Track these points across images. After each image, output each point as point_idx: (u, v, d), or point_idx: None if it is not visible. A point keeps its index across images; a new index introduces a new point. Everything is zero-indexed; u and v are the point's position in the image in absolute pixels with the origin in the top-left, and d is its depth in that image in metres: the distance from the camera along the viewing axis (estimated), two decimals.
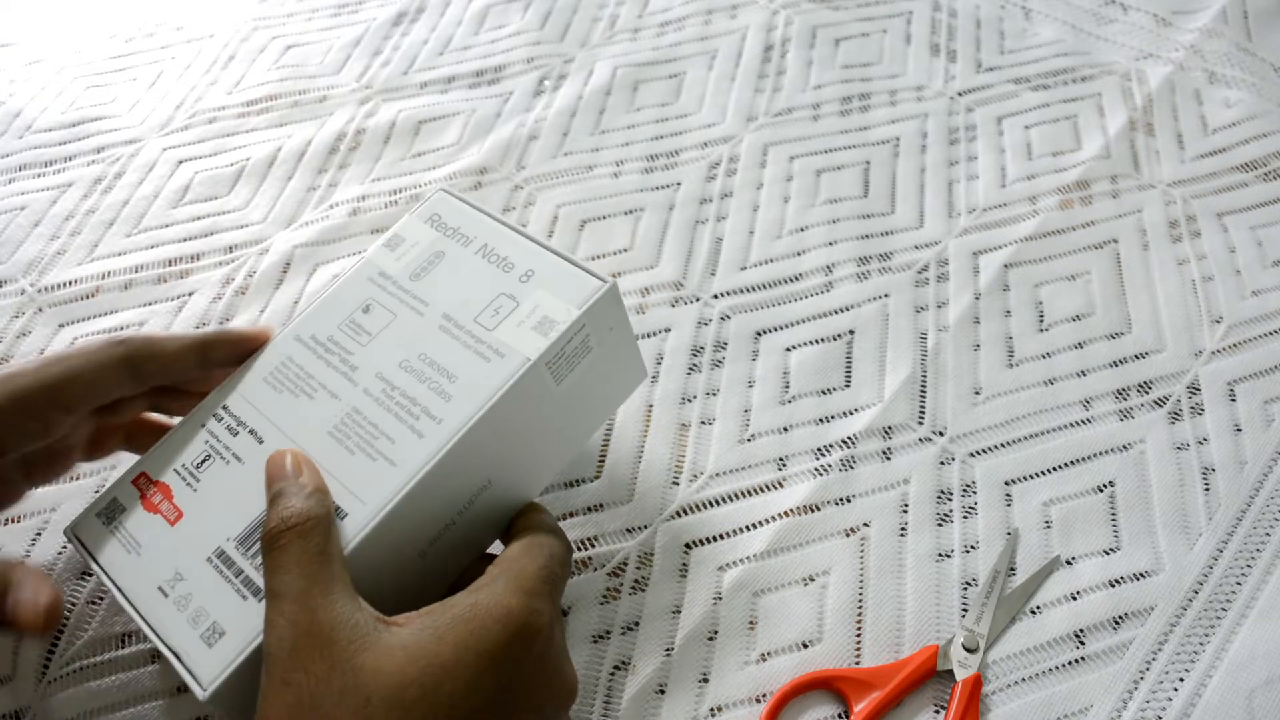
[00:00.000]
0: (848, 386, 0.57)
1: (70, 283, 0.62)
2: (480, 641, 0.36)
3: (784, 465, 0.54)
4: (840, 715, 0.46)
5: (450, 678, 0.35)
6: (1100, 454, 0.54)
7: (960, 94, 0.74)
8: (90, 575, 0.50)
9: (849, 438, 0.55)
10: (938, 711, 0.46)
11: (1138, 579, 0.50)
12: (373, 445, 0.41)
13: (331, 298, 0.47)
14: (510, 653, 0.36)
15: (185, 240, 0.65)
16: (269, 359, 0.45)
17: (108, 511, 0.43)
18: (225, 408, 0.44)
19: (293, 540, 0.37)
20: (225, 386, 0.45)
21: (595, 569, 0.50)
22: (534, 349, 0.42)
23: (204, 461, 0.43)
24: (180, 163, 0.70)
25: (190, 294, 0.62)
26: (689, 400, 0.56)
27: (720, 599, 0.49)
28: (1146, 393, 0.57)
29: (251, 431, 0.43)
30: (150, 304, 0.61)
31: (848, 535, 0.51)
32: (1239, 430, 0.55)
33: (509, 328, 0.43)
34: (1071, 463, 0.54)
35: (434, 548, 0.42)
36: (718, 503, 0.53)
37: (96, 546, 0.43)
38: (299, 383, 0.44)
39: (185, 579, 0.40)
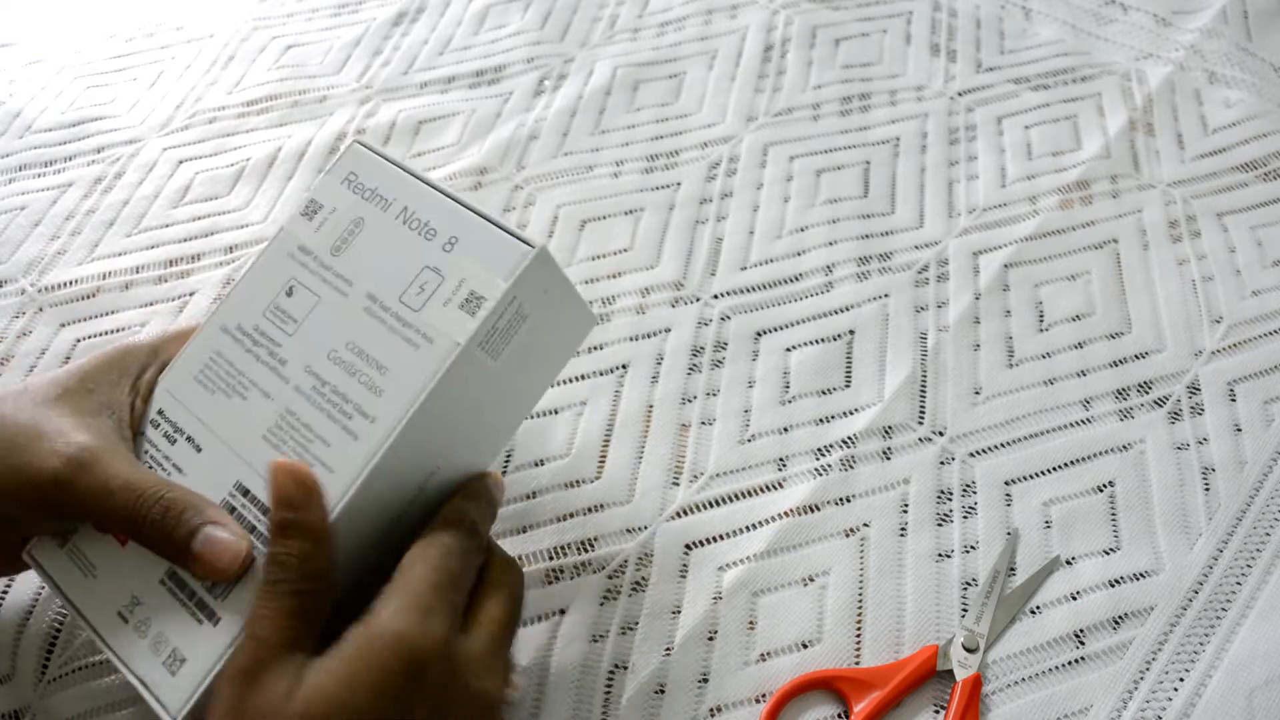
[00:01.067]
0: (848, 387, 0.57)
1: (70, 283, 0.62)
2: (373, 674, 0.35)
3: (784, 465, 0.54)
4: (840, 715, 0.46)
5: (348, 718, 0.34)
6: (1100, 454, 0.54)
7: (960, 94, 0.74)
8: None
9: (849, 438, 0.55)
10: (938, 712, 0.46)
11: (1138, 579, 0.50)
12: (308, 450, 0.39)
13: (251, 278, 0.43)
14: (407, 682, 0.35)
15: (186, 240, 0.65)
16: (198, 354, 0.43)
17: (61, 531, 0.42)
18: (161, 412, 0.42)
19: (285, 593, 0.36)
20: (158, 387, 0.43)
21: (595, 570, 0.50)
22: (462, 332, 0.39)
23: None
24: (180, 163, 0.70)
25: (191, 294, 0.62)
26: (689, 400, 0.56)
27: (720, 599, 0.49)
28: (1146, 393, 0.57)
29: (189, 439, 0.41)
30: (151, 304, 0.61)
31: (847, 535, 0.51)
32: (1239, 430, 0.55)
33: (435, 307, 0.40)
34: (1071, 463, 0.54)
35: (386, 539, 0.41)
36: (718, 503, 0.53)
37: (55, 569, 0.41)
38: (229, 380, 0.42)
39: (142, 603, 0.39)
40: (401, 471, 0.40)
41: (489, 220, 0.41)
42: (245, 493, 0.40)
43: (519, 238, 0.40)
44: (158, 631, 0.39)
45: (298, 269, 0.43)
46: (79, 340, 0.59)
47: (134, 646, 0.39)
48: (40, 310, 0.61)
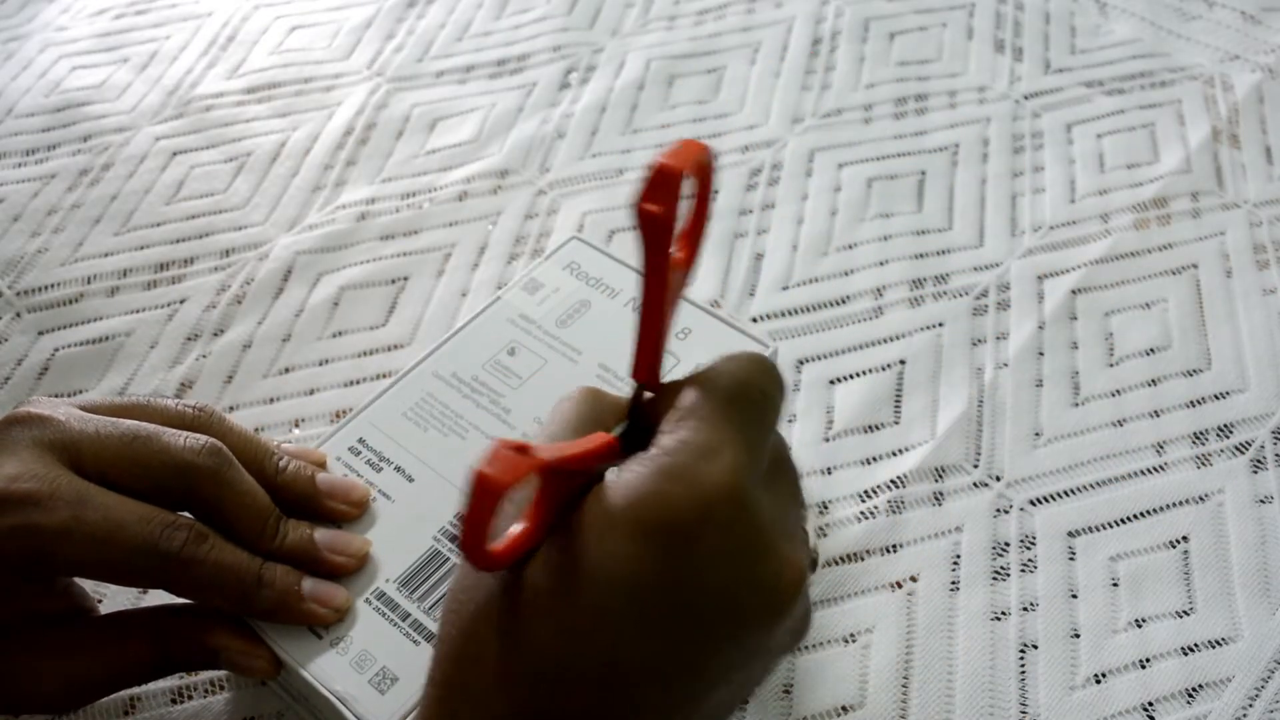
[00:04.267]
0: (897, 423, 0.57)
1: (52, 286, 0.62)
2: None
3: (826, 509, 0.53)
4: None
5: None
6: (1174, 505, 0.54)
7: (1026, 97, 0.73)
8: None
9: (898, 478, 0.54)
10: None
11: (1214, 646, 0.49)
12: None
13: (467, 336, 0.50)
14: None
15: (178, 241, 0.65)
16: (405, 394, 0.48)
17: None
18: (363, 440, 0.46)
19: None
20: (352, 420, 0.47)
21: None
22: None
23: None
24: (174, 154, 0.70)
25: (182, 301, 0.62)
26: None
27: None
28: (1226, 437, 0.56)
29: (398, 469, 0.45)
30: (138, 311, 0.61)
31: (894, 589, 0.51)
32: None
33: None
34: (1142, 514, 0.53)
35: None
36: None
37: None
38: (446, 421, 0.47)
39: (341, 620, 0.41)
40: None
41: (720, 319, 0.50)
42: None
43: (752, 337, 0.49)
44: (361, 650, 0.41)
45: (519, 334, 0.50)
46: (57, 349, 0.59)
47: (329, 663, 0.40)
48: (18, 315, 0.61)
